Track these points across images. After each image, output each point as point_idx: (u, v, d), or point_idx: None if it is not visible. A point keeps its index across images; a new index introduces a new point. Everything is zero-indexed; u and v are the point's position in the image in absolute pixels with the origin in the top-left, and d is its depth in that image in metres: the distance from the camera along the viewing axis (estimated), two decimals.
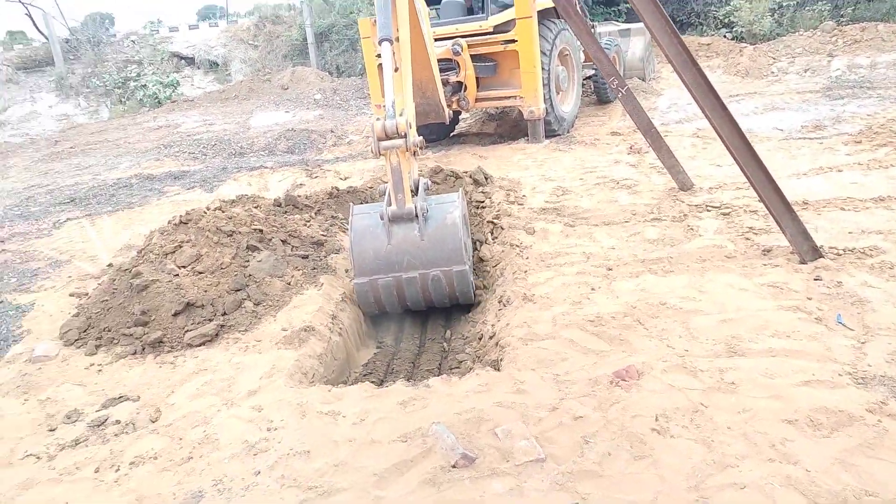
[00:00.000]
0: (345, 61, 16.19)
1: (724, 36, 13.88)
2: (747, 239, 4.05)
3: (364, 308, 3.99)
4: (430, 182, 3.96)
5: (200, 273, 3.78)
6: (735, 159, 3.63)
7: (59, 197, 7.53)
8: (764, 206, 3.71)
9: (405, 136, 3.55)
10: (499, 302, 3.74)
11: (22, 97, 16.63)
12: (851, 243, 3.79)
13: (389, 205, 3.69)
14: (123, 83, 16.50)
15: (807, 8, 13.70)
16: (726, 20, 14.21)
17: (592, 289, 3.62)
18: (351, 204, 4.13)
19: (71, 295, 4.43)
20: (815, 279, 3.41)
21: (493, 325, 3.57)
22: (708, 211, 4.65)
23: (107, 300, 3.77)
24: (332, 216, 5.09)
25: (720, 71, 11.70)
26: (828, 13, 13.28)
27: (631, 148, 6.81)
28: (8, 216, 7.05)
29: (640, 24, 9.00)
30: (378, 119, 3.61)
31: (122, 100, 16.30)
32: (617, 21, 12.47)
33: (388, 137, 3.57)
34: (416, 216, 3.66)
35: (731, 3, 14.13)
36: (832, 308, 3.10)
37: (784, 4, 13.90)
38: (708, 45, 13.31)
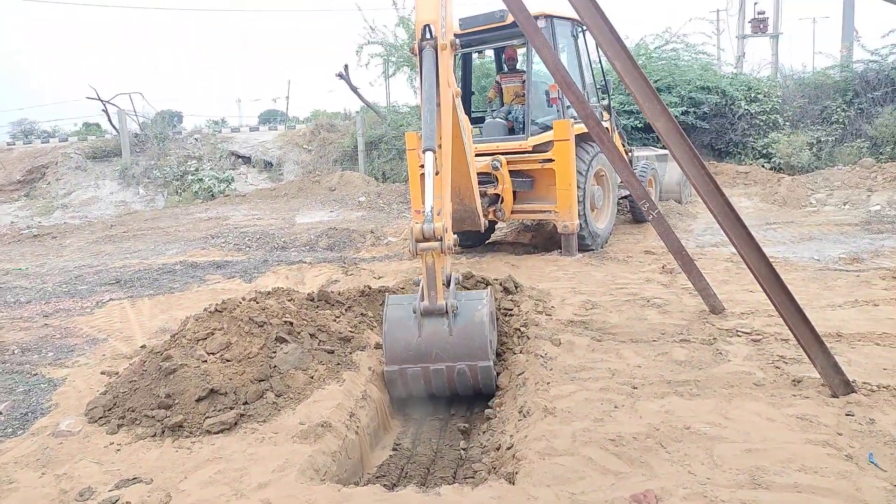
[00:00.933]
0: (391, 168, 16.95)
1: (763, 166, 14.16)
2: (777, 367, 3.97)
3: (392, 393, 4.24)
4: (460, 276, 4.22)
5: (228, 361, 3.86)
6: (762, 287, 3.64)
7: (105, 278, 7.86)
8: (793, 335, 3.67)
9: (441, 240, 3.84)
10: (519, 412, 3.70)
11: (87, 183, 17.76)
12: (886, 380, 3.68)
13: (422, 300, 3.97)
14: (182, 176, 17.51)
15: (845, 144, 13.96)
16: (764, 151, 14.54)
17: (616, 406, 3.56)
18: (387, 294, 4.29)
19: (102, 373, 4.54)
20: (847, 414, 3.29)
21: (511, 436, 3.51)
22: (738, 336, 4.60)
23: (135, 381, 3.86)
24: (362, 313, 5.17)
25: (758, 199, 11.85)
26: (867, 151, 13.50)
27: (663, 268, 6.85)
28: (56, 293, 7.37)
29: None
30: (417, 223, 3.89)
31: (179, 191, 17.23)
32: (655, 146, 12.87)
33: (425, 239, 3.86)
34: (447, 312, 3.93)
35: (770, 136, 14.51)
36: (864, 446, 2.97)
37: (822, 139, 14.20)
38: (746, 173, 13.57)
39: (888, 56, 14.83)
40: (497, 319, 4.54)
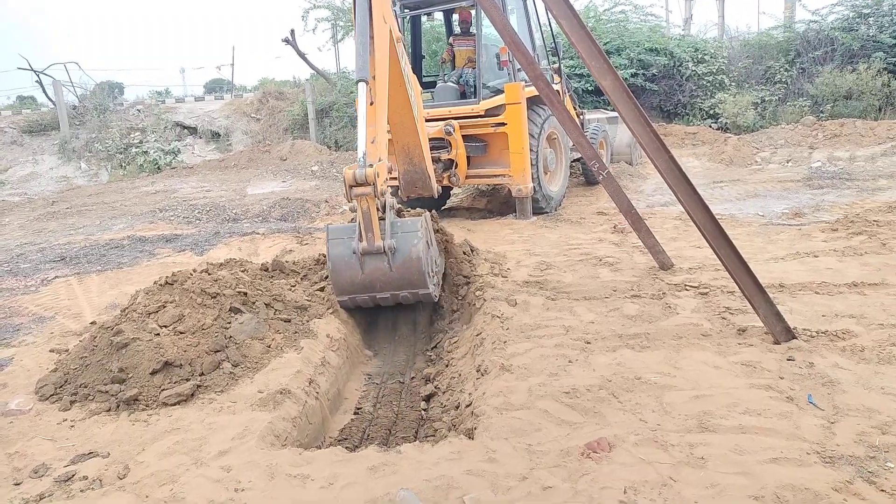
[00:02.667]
0: (343, 136, 16.70)
1: (710, 126, 14.47)
2: (723, 318, 4.13)
3: (343, 308, 4.78)
4: (396, 202, 4.54)
5: (181, 333, 3.81)
6: (708, 242, 3.76)
7: (49, 255, 7.59)
8: (738, 287, 3.81)
9: (373, 185, 3.96)
10: (477, 371, 3.77)
11: (24, 159, 16.96)
12: (824, 326, 3.87)
13: (361, 240, 4.27)
14: (125, 149, 16.89)
15: (788, 103, 14.37)
16: (712, 112, 14.85)
17: (570, 361, 3.66)
18: (327, 225, 4.67)
19: (51, 351, 4.42)
20: (788, 359, 3.46)
21: (470, 395, 3.58)
22: (686, 290, 4.75)
23: (86, 357, 3.78)
24: (318, 282, 5.14)
25: (706, 158, 12.12)
26: (808, 109, 13.92)
27: (615, 227, 6.99)
28: None
29: None
30: (350, 168, 4.01)
31: (123, 164, 16.64)
32: (606, 109, 13.00)
33: (358, 185, 4.00)
34: (385, 252, 4.25)
35: (716, 97, 14.81)
36: (803, 388, 3.14)
37: (766, 99, 14.58)
38: (694, 134, 13.85)
39: (828, 16, 15.24)
40: (439, 243, 4.95)
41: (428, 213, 4.81)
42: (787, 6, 18.77)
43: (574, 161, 9.79)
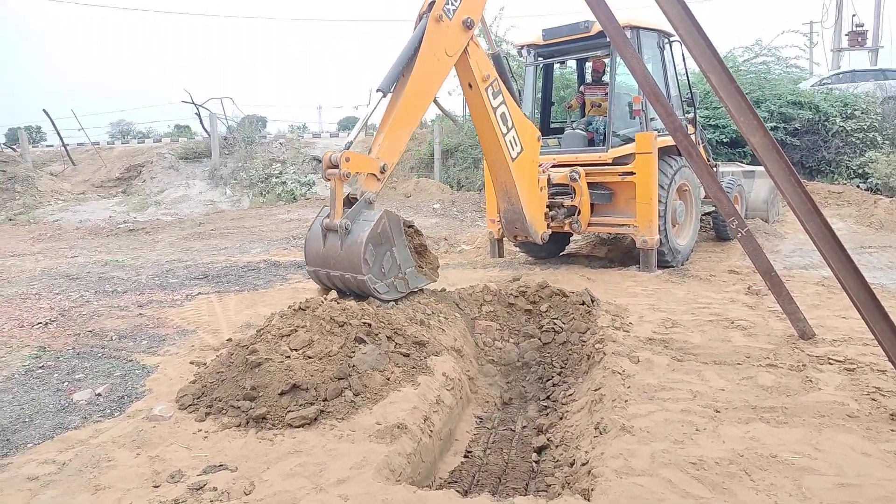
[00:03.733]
0: (466, 177, 17.04)
1: (858, 186, 13.41)
2: (873, 399, 3.74)
3: (313, 279, 5.34)
4: (373, 196, 5.07)
5: (310, 357, 3.98)
6: (861, 314, 3.45)
7: (194, 272, 8.27)
8: (893, 366, 3.45)
9: (339, 167, 4.82)
10: (595, 429, 3.64)
11: (178, 182, 18.72)
12: None
13: (327, 217, 4.99)
14: (266, 178, 18.20)
15: None
16: (860, 171, 13.77)
17: (697, 429, 3.45)
18: (324, 207, 5.24)
19: (191, 363, 4.77)
20: None
21: (586, 452, 3.46)
22: (830, 364, 4.36)
23: (222, 372, 4.05)
24: (437, 318, 5.22)
25: (852, 220, 11.21)
26: None
27: (749, 288, 6.59)
28: (149, 284, 7.81)
29: None
30: (329, 152, 4.96)
31: (263, 193, 17.92)
32: (741, 162, 12.41)
33: (332, 166, 4.87)
34: (339, 229, 4.84)
35: (867, 155, 13.74)
36: None
37: None
38: (839, 193, 12.88)
39: None
40: (399, 231, 5.16)
41: (399, 216, 5.20)
42: None
43: (705, 214, 9.39)
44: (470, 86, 6.09)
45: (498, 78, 6.20)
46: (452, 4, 5.52)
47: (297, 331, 4.19)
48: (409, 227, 5.51)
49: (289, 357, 3.92)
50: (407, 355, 4.43)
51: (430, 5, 5.44)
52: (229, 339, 5.20)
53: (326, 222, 4.97)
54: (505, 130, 6.34)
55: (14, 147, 23.08)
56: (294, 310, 4.49)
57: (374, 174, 5.14)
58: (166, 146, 21.76)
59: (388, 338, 4.51)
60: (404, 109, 5.27)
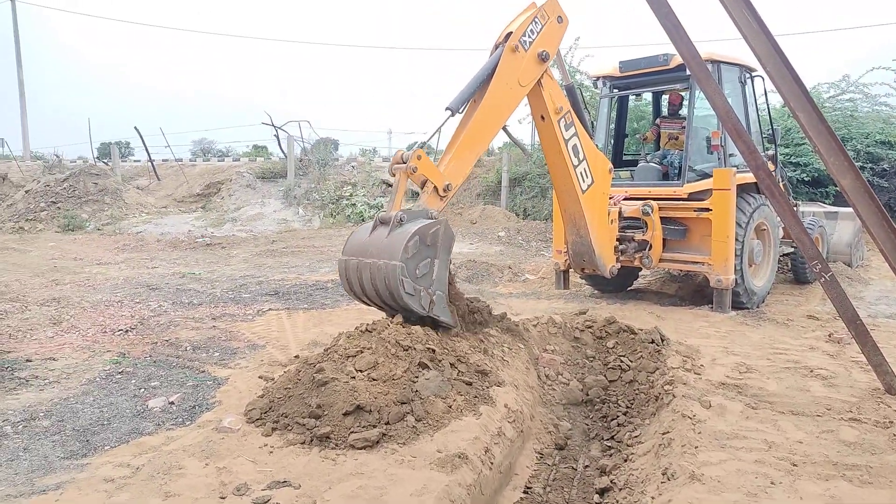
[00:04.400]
0: (533, 206, 16.99)
1: None
2: None
3: (342, 283, 4.94)
4: (435, 213, 4.90)
5: (374, 380, 4.02)
6: None
7: (266, 288, 8.52)
8: None
9: (406, 162, 4.87)
10: (662, 474, 3.51)
11: (254, 200, 19.43)
12: None
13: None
14: (337, 200, 18.69)
15: None
16: None
17: (772, 482, 3.27)
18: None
19: (260, 377, 4.90)
20: None
21: (652, 498, 3.34)
22: None
23: (289, 388, 4.13)
24: (501, 349, 5.18)
25: None
26: None
27: (830, 336, 6.25)
28: (223, 298, 8.10)
29: (850, 209, 8.54)
30: (402, 151, 5.08)
31: (333, 213, 18.39)
32: (823, 202, 11.88)
33: (401, 162, 4.94)
34: (391, 220, 4.60)
35: None
36: None
37: None
38: None
39: None
40: (447, 249, 4.80)
41: (450, 229, 4.88)
42: None
43: (783, 255, 9.01)
44: (542, 118, 6.10)
45: (571, 109, 6.19)
46: (529, 37, 5.58)
47: (362, 352, 4.24)
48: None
49: (354, 378, 3.97)
50: (469, 384, 4.41)
51: (507, 36, 5.50)
52: (297, 357, 5.31)
53: (381, 214, 4.78)
54: (576, 162, 6.31)
55: (106, 161, 24.60)
56: (361, 331, 4.55)
57: (437, 190, 5.08)
58: (244, 165, 22.69)
59: (452, 365, 4.51)
60: (473, 133, 5.32)
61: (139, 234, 15.71)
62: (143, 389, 4.79)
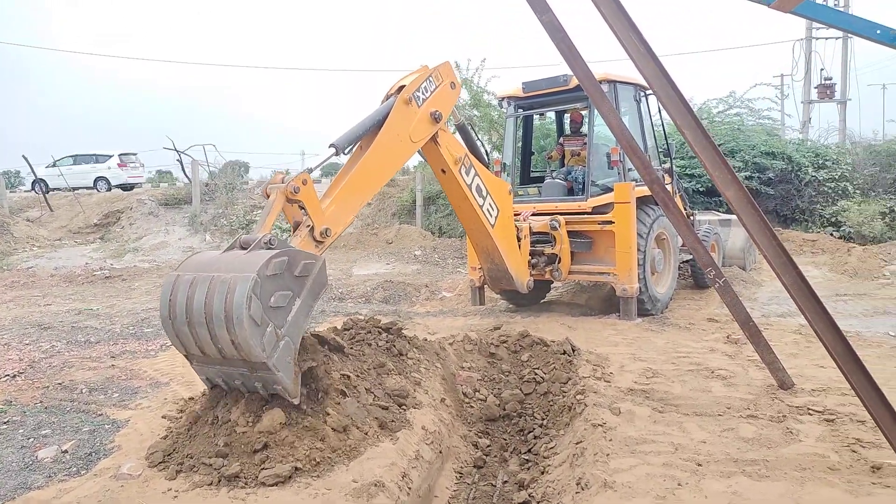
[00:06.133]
0: (448, 224, 17.13)
1: (832, 234, 13.69)
2: (853, 451, 3.73)
3: (161, 306, 3.84)
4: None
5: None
6: (838, 366, 3.46)
7: None
8: (871, 418, 3.45)
9: (286, 184, 4.36)
10: (577, 484, 3.58)
11: (157, 229, 18.56)
12: None
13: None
14: (247, 224, 18.13)
15: None
16: (833, 219, 14.08)
17: (679, 484, 3.40)
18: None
19: (163, 417, 4.63)
20: None
21: None
22: (810, 414, 4.36)
23: (195, 427, 3.93)
24: (417, 369, 5.15)
25: (826, 268, 11.39)
26: None
27: (728, 337, 6.62)
28: (123, 334, 7.65)
29: None
30: (283, 173, 4.64)
31: None
32: (718, 211, 12.64)
33: (280, 182, 4.42)
34: (254, 243, 3.86)
35: (839, 204, 14.07)
36: None
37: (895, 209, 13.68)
38: (813, 241, 13.12)
39: None
40: (315, 294, 4.00)
41: (325, 273, 4.11)
42: None
43: (683, 262, 9.49)
44: (443, 171, 6.12)
45: (468, 152, 6.26)
46: (424, 93, 5.51)
47: None
48: (337, 348, 4.59)
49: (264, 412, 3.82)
50: (386, 408, 4.35)
51: (400, 88, 5.40)
52: (204, 393, 5.07)
53: (244, 237, 4.03)
54: (482, 201, 6.41)
55: None
56: None
57: (313, 232, 4.50)
58: (146, 192, 21.68)
59: (367, 390, 4.43)
60: (357, 181, 4.98)
61: (30, 270, 14.63)
62: (32, 439, 4.42)
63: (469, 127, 6.69)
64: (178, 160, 20.83)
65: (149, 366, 6.16)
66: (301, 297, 3.86)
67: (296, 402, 3.76)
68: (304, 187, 4.42)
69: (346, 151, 5.00)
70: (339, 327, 5.32)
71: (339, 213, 4.79)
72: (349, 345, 4.90)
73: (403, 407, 4.48)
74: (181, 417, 4.45)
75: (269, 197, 4.39)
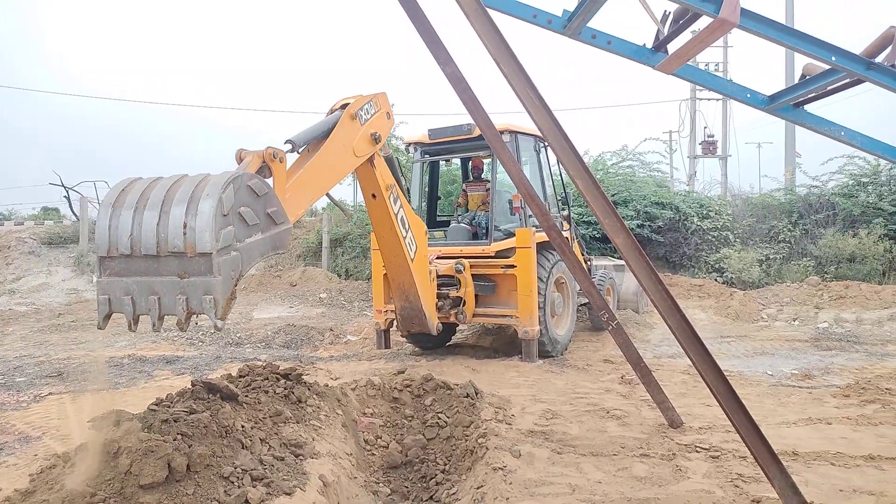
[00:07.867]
0: (354, 266, 16.97)
1: (716, 280, 14.67)
2: (736, 486, 3.94)
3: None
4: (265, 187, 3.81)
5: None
6: (721, 406, 3.67)
7: (47, 369, 7.49)
8: (751, 454, 3.67)
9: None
10: None
11: (38, 269, 17.23)
12: (843, 502, 3.67)
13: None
14: None
15: (792, 262, 14.64)
16: (717, 266, 15.11)
17: None
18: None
19: (31, 476, 4.21)
20: None
21: None
22: (697, 452, 4.57)
23: (61, 488, 3.59)
24: (317, 417, 4.99)
25: (712, 311, 12.16)
26: (812, 269, 14.16)
27: (622, 377, 6.87)
28: None
29: None
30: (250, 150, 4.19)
31: None
32: (613, 256, 13.27)
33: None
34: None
35: (721, 252, 15.14)
36: None
37: (771, 257, 14.88)
38: (700, 286, 14.00)
39: (828, 182, 15.94)
40: (274, 246, 3.82)
41: (289, 237, 3.97)
42: (788, 170, 19.70)
43: (581, 305, 9.84)
44: (374, 196, 6.16)
45: (396, 183, 6.36)
46: (367, 113, 5.63)
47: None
48: (230, 396, 4.28)
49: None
50: (282, 459, 4.16)
51: (344, 106, 5.46)
52: (80, 447, 4.66)
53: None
54: (405, 233, 6.51)
55: None
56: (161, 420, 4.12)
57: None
58: (28, 230, 20.15)
59: (262, 440, 4.24)
60: (307, 179, 4.86)
61: None
62: None
63: (395, 161, 6.75)
64: (65, 196, 19.57)
65: (19, 419, 5.61)
66: (263, 234, 3.67)
67: (220, 325, 3.54)
68: (280, 164, 4.22)
69: (299, 151, 4.95)
70: (233, 374, 5.08)
71: (292, 202, 4.53)
72: (244, 392, 4.69)
73: (300, 457, 4.31)
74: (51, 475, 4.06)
75: (241, 161, 4.04)
